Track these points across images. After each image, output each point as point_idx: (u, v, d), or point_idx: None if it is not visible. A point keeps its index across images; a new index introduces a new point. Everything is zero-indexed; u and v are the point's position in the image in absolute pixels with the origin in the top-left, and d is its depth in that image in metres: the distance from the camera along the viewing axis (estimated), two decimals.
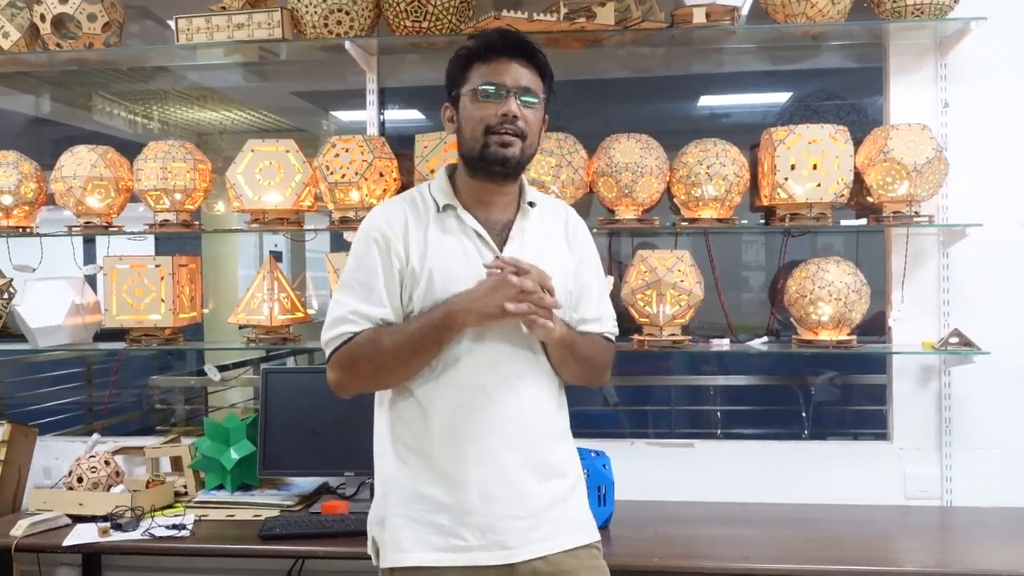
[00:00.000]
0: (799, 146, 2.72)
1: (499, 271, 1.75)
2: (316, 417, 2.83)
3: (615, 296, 2.47)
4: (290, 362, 4.55)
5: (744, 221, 2.97)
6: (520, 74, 1.82)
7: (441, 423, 1.81)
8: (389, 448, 1.87)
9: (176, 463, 3.07)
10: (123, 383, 5.13)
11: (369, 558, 1.91)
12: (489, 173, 1.84)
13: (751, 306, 4.99)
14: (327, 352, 1.86)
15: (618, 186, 2.81)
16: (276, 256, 3.51)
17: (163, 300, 3.00)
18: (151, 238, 3.34)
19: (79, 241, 3.23)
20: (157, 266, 3.00)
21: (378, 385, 1.88)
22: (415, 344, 1.78)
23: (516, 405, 1.82)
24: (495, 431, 1.80)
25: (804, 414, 4.56)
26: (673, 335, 2.85)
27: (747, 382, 4.38)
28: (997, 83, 2.89)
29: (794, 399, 4.58)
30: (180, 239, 3.53)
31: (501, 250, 1.85)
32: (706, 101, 4.78)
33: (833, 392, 4.44)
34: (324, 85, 4.42)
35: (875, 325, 3.00)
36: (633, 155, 2.81)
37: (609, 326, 2.00)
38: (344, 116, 5.15)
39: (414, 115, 4.51)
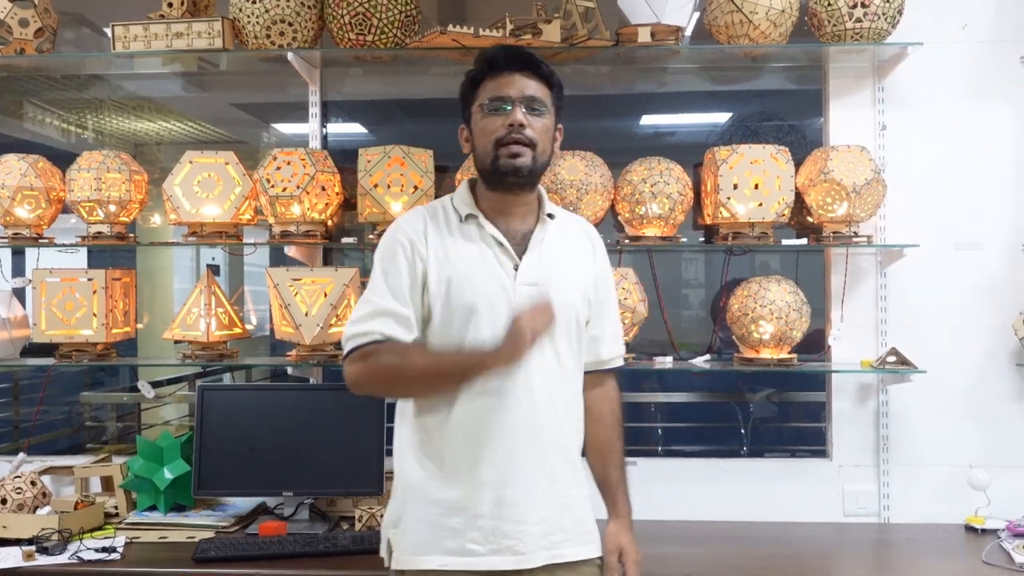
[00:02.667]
0: (741, 166, 2.75)
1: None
2: (253, 435, 2.76)
3: None
4: (227, 378, 4.46)
5: (687, 239, 2.99)
6: (525, 84, 1.88)
7: (459, 427, 1.86)
8: (408, 452, 1.92)
9: (107, 483, 2.97)
10: (52, 399, 4.96)
11: None
12: (504, 184, 1.90)
13: (693, 323, 5.04)
14: (348, 346, 1.88)
15: (563, 203, 2.81)
16: (214, 270, 3.43)
17: (95, 315, 2.91)
18: (84, 251, 3.24)
19: (7, 253, 3.13)
20: (89, 279, 2.91)
21: (388, 394, 1.93)
22: (443, 375, 1.84)
23: (533, 412, 1.87)
24: (511, 436, 1.86)
25: (743, 431, 4.60)
26: None
27: (688, 399, 4.41)
28: (932, 107, 2.96)
29: (734, 416, 4.62)
30: (114, 252, 3.44)
31: (520, 259, 1.91)
32: (650, 120, 4.82)
33: (772, 409, 4.49)
34: (266, 97, 4.36)
35: (815, 343, 3.04)
36: (578, 172, 2.81)
37: (621, 347, 2.11)
38: (286, 129, 5.08)
39: (357, 129, 4.48)
